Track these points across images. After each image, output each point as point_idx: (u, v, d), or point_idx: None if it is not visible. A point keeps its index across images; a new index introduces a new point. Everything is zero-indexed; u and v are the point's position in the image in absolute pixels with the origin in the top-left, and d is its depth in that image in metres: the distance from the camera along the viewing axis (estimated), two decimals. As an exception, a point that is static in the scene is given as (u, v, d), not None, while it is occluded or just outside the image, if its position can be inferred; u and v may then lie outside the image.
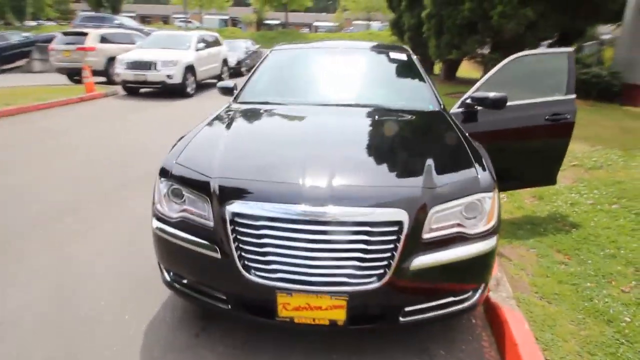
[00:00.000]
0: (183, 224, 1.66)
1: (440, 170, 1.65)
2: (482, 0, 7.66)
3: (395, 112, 2.45)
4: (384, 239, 1.47)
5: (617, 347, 1.72)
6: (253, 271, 1.54)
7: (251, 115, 2.47)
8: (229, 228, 1.54)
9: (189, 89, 8.50)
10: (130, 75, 8.15)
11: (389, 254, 1.48)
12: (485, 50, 9.25)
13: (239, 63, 13.06)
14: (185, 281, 1.76)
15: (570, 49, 3.10)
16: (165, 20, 41.03)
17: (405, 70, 2.99)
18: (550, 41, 9.15)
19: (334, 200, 1.49)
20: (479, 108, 2.72)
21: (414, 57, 3.09)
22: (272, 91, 2.85)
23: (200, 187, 1.65)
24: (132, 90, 8.61)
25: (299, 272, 1.50)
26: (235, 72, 12.39)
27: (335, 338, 1.83)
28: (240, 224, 1.54)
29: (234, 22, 43.36)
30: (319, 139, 2.02)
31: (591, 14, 8.19)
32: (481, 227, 1.58)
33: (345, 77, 2.97)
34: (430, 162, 1.69)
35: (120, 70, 8.20)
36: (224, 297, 1.65)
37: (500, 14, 7.31)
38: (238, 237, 1.54)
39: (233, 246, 1.53)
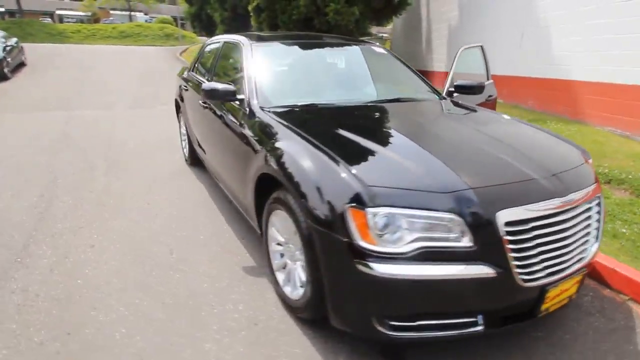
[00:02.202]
0: (423, 255, 1.47)
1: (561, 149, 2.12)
2: (315, -2, 8.47)
3: (435, 103, 2.81)
4: (598, 210, 1.86)
5: None
6: (528, 276, 1.55)
7: (329, 119, 2.33)
8: (504, 240, 1.49)
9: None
10: None
11: (598, 223, 1.87)
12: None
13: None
14: (412, 324, 1.55)
15: (480, 44, 4.13)
16: None
17: (392, 63, 3.33)
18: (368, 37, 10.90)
19: (564, 186, 1.68)
20: (455, 94, 3.31)
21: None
22: (291, 92, 2.69)
23: (438, 206, 1.50)
24: None
25: (560, 261, 1.63)
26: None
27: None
28: (512, 232, 1.51)
29: None
30: (443, 136, 2.15)
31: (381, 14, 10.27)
32: None
33: (352, 73, 3.09)
34: (550, 143, 2.13)
35: None
36: (474, 319, 1.56)
37: (335, 12, 8.31)
38: (511, 246, 1.51)
39: (509, 257, 1.50)
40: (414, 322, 1.56)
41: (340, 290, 1.63)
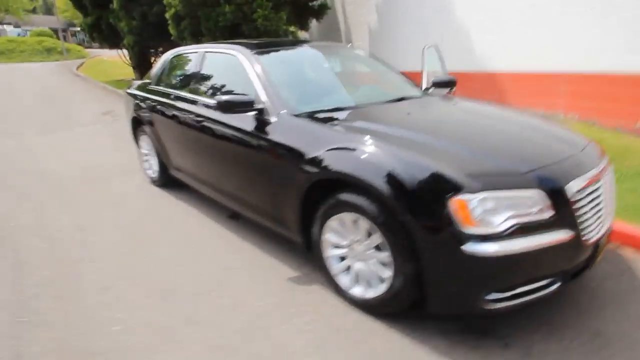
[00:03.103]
0: (516, 231, 1.64)
1: None
2: (241, 4, 8.34)
3: (435, 98, 3.02)
4: (612, 176, 2.18)
5: None
6: (589, 235, 1.81)
7: (366, 119, 2.41)
8: (574, 207, 1.74)
9: None
10: None
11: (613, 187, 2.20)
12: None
13: None
14: (507, 294, 1.73)
15: (436, 44, 4.52)
16: None
17: (378, 64, 3.50)
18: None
19: (592, 158, 2.02)
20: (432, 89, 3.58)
21: None
22: (310, 97, 2.73)
23: (523, 185, 1.70)
24: None
25: (602, 220, 1.90)
26: None
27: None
28: (578, 200, 1.76)
29: None
30: (476, 125, 2.35)
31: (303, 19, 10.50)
32: None
33: (354, 75, 3.20)
34: (549, 125, 2.43)
35: None
36: (553, 279, 1.77)
37: (263, 17, 8.28)
38: (578, 212, 1.76)
39: (578, 222, 1.75)
40: (508, 292, 1.72)
41: (444, 275, 1.73)
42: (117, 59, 15.22)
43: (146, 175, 4.32)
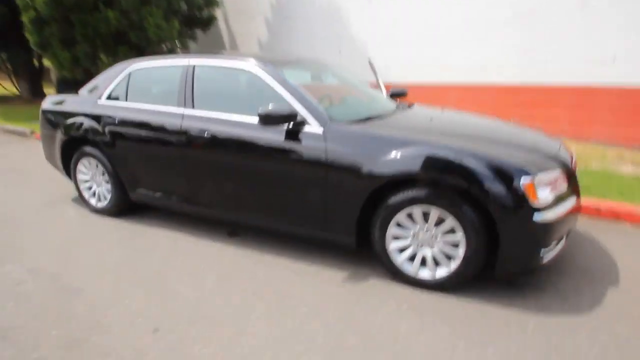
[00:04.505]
0: (556, 201, 2.16)
1: None
2: (127, 11, 7.57)
3: (422, 107, 3.44)
4: None
5: None
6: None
7: (404, 126, 2.70)
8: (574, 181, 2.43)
9: None
10: None
11: None
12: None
13: None
14: (549, 248, 2.23)
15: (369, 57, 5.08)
16: None
17: (359, 78, 3.78)
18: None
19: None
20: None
21: None
22: (343, 108, 2.93)
23: (554, 166, 2.25)
24: None
25: None
26: None
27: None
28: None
29: None
30: (479, 127, 2.86)
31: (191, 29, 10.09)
32: None
33: (357, 88, 3.45)
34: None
35: None
36: (563, 237, 2.37)
37: (156, 26, 7.69)
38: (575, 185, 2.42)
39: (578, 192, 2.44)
40: (549, 247, 2.25)
41: (516, 242, 2.12)
42: None
43: (87, 204, 3.69)
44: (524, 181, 2.07)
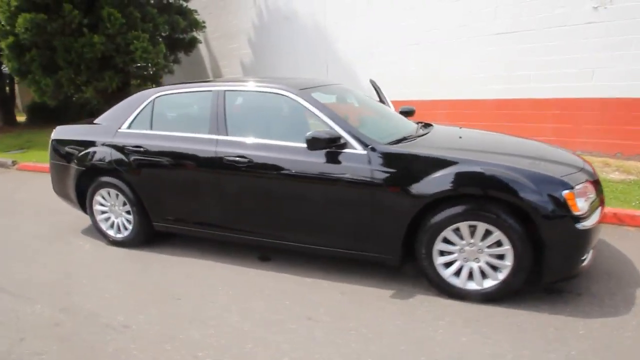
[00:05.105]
0: (590, 210, 2.32)
1: None
2: (113, 35, 7.46)
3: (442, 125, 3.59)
4: None
5: None
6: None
7: (441, 145, 2.80)
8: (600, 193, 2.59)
9: None
10: None
11: None
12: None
13: None
14: (586, 255, 2.39)
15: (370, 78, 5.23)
16: None
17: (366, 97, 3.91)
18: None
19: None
20: None
21: None
22: (379, 130, 2.98)
23: (585, 178, 2.43)
24: None
25: None
26: None
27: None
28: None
29: None
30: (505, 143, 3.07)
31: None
32: None
33: (383, 111, 3.57)
34: None
35: None
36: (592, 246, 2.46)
37: (143, 50, 7.61)
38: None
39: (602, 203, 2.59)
40: (586, 254, 2.41)
41: (561, 250, 2.27)
42: None
43: (104, 236, 3.58)
44: (565, 192, 2.23)
